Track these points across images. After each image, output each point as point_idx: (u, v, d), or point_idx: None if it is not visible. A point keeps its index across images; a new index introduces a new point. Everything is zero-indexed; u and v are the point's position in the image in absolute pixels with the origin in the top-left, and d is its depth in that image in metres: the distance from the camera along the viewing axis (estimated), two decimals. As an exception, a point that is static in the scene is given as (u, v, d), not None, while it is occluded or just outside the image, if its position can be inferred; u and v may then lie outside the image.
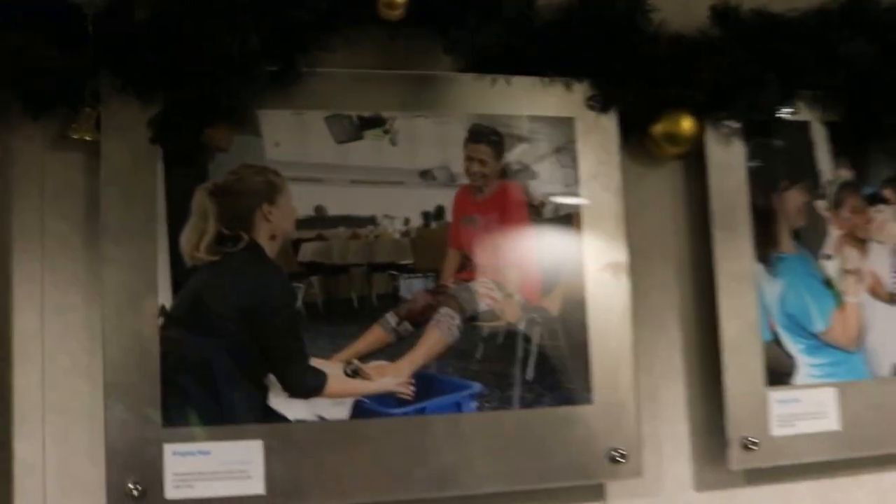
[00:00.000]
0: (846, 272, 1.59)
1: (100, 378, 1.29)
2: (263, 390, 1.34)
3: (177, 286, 1.32)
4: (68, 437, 1.34)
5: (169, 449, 1.30)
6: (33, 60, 1.25)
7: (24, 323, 1.35)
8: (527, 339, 1.45)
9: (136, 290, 1.31)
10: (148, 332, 1.30)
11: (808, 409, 1.52)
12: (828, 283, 1.58)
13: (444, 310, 1.42)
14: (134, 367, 1.29)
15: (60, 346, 1.36)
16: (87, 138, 1.33)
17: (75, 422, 1.34)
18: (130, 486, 1.27)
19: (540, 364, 1.44)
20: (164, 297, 1.32)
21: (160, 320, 1.31)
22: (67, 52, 1.27)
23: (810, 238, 1.59)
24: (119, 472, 1.27)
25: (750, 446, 1.48)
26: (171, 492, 1.29)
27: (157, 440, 1.29)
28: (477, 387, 1.41)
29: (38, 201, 1.37)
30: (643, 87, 1.49)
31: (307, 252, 1.40)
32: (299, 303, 1.38)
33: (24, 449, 1.33)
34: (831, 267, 1.59)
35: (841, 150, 1.62)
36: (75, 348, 1.36)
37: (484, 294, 1.44)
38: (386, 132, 1.43)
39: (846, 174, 1.62)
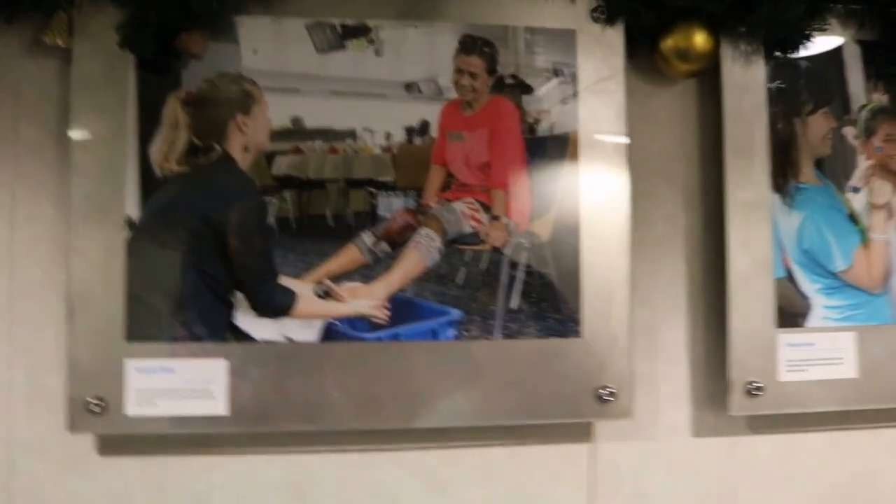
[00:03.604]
0: (874, 207, 1.45)
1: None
2: (230, 307, 1.30)
3: (145, 197, 1.29)
4: (35, 349, 1.34)
5: (131, 365, 1.28)
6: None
7: (-7, 232, 1.34)
8: (512, 265, 1.37)
9: (104, 200, 1.29)
10: (114, 244, 1.28)
11: (821, 355, 1.41)
12: (853, 218, 1.45)
13: (424, 230, 1.36)
14: (99, 279, 1.28)
15: (30, 258, 1.34)
16: (60, 44, 1.30)
17: (43, 334, 1.33)
18: (91, 401, 1.27)
19: (526, 292, 1.37)
20: (132, 209, 1.29)
21: (126, 232, 1.28)
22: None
23: (836, 168, 1.46)
24: (80, 386, 1.27)
25: (754, 391, 1.38)
26: (132, 408, 1.28)
27: (119, 355, 1.27)
28: (456, 313, 1.35)
29: (12, 109, 1.35)
30: (653, -3, 1.37)
31: (282, 165, 1.35)
32: (271, 218, 1.33)
33: (-10, 359, 1.34)
34: (858, 201, 1.46)
35: (876, 73, 1.47)
36: (45, 260, 1.34)
37: (468, 215, 1.37)
38: (370, 42, 1.36)
39: (881, 99, 1.48)
